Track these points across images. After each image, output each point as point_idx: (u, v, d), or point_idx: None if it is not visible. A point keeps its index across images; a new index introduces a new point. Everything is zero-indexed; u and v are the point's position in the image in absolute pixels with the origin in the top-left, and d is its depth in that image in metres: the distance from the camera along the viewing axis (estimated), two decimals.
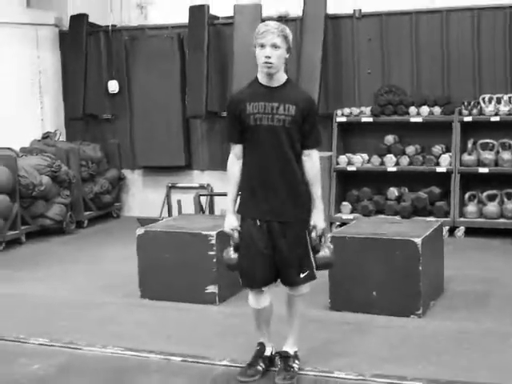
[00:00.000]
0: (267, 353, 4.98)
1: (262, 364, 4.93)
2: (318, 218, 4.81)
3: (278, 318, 5.07)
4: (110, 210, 11.36)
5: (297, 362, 4.93)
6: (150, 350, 5.42)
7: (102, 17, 11.42)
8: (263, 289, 4.83)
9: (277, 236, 4.74)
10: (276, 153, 4.72)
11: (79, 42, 11.16)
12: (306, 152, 4.79)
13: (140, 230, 6.82)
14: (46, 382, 4.94)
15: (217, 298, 6.57)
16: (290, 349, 4.96)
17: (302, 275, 4.78)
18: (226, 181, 4.96)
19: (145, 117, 11.04)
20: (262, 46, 4.65)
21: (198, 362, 5.15)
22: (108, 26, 11.38)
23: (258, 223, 4.76)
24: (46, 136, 10.99)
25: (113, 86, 11.32)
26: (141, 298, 6.80)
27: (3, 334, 5.88)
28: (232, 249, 4.88)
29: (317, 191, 4.83)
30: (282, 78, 4.76)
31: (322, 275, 5.96)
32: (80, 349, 5.53)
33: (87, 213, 10.79)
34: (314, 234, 4.80)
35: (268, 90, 4.73)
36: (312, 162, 4.79)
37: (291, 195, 4.78)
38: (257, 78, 4.80)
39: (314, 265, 4.82)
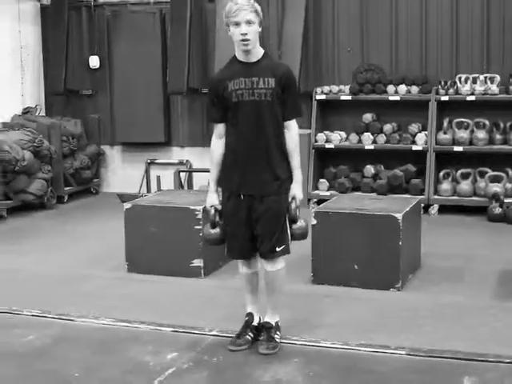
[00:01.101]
0: (255, 323, 5.17)
1: (250, 334, 5.12)
2: (297, 189, 4.98)
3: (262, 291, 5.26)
4: (89, 186, 11.46)
5: (278, 332, 5.11)
6: (140, 321, 5.59)
7: None
8: (246, 260, 5.06)
9: (257, 209, 4.92)
10: (258, 127, 4.88)
11: (61, 16, 11.21)
12: (285, 124, 4.94)
13: (127, 205, 6.96)
14: (44, 351, 5.09)
15: (202, 272, 6.74)
16: (271, 319, 5.13)
17: (278, 249, 4.94)
18: (209, 159, 5.14)
19: (125, 93, 11.12)
20: (237, 23, 4.78)
21: (188, 333, 5.32)
22: (90, 1, 11.41)
23: (241, 197, 4.94)
24: (26, 111, 11.06)
25: (94, 62, 11.38)
26: (128, 272, 6.95)
27: None
28: (209, 225, 5.09)
29: (295, 162, 4.98)
30: (259, 52, 4.92)
31: (304, 249, 6.17)
32: (73, 320, 5.69)
33: (67, 188, 10.90)
34: (293, 205, 4.95)
35: (247, 66, 4.88)
36: (290, 133, 4.94)
37: (272, 170, 4.92)
38: (235, 56, 4.95)
39: (289, 239, 4.99)
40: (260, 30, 4.88)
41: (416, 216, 6.95)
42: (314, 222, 6.44)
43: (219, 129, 5.03)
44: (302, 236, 5.07)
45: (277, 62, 5.11)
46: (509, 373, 4.59)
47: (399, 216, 6.24)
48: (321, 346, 5.08)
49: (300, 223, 5.01)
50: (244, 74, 4.87)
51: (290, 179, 4.98)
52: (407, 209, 6.51)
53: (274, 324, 5.12)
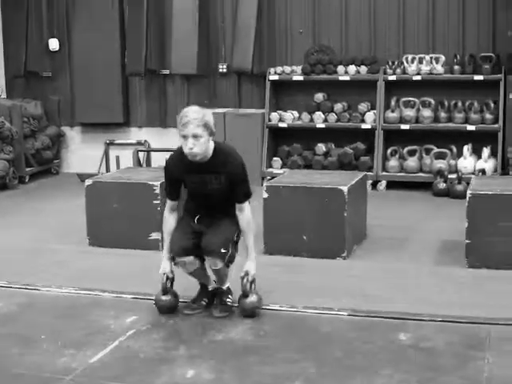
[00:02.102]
0: (210, 288, 5.55)
1: (205, 299, 5.51)
2: (249, 266, 5.30)
3: None
4: (49, 167, 11.74)
5: (230, 296, 5.49)
6: (102, 289, 5.95)
7: None
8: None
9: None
10: (212, 205, 5.29)
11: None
12: (237, 206, 5.26)
13: (88, 181, 7.28)
14: (11, 317, 5.42)
15: (160, 244, 7.00)
16: (222, 285, 5.50)
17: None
18: (163, 230, 5.50)
19: (84, 74, 11.40)
20: (184, 137, 4.99)
21: (147, 299, 5.68)
22: None
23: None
24: None
25: (53, 44, 11.65)
26: (90, 246, 7.28)
27: None
28: (161, 291, 5.40)
29: (249, 241, 5.27)
30: (209, 153, 5.13)
31: (256, 221, 6.53)
32: (38, 289, 6.02)
33: (28, 168, 11.17)
34: (245, 280, 5.26)
35: (199, 165, 5.15)
36: (243, 214, 5.26)
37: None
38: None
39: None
40: (211, 138, 5.08)
41: (362, 189, 7.39)
42: (266, 195, 6.84)
43: (173, 205, 5.38)
44: (252, 312, 5.29)
45: (227, 156, 5.21)
46: (440, 330, 5.03)
47: (345, 189, 6.65)
48: (270, 308, 5.47)
49: (252, 299, 5.29)
50: (198, 170, 5.17)
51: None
52: (352, 182, 6.93)
53: (225, 289, 5.50)
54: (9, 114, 10.68)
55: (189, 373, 4.43)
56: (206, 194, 5.24)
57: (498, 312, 5.29)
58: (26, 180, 11.04)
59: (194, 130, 4.96)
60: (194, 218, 5.33)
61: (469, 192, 6.42)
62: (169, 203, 5.39)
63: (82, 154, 11.91)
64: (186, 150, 5.04)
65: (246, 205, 5.28)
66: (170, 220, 5.39)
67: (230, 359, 4.63)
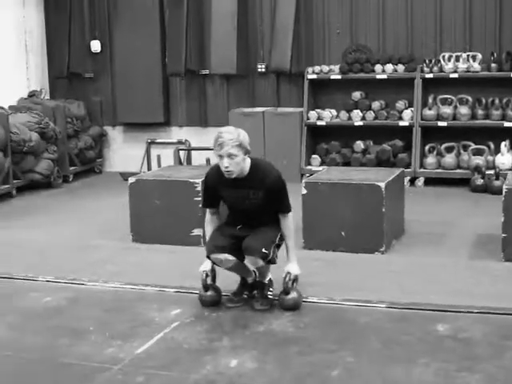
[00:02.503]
0: (249, 281, 5.70)
1: (246, 292, 5.68)
2: (291, 267, 5.48)
3: None
4: (92, 166, 12.01)
5: (271, 289, 5.65)
6: (146, 284, 6.14)
7: None
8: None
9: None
10: (251, 218, 5.46)
11: (63, 2, 11.73)
12: (280, 215, 5.45)
13: (132, 179, 7.48)
14: (60, 310, 5.63)
15: (201, 240, 7.17)
16: (263, 279, 5.66)
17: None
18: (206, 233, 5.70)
19: (126, 75, 11.63)
20: (220, 156, 5.21)
21: (189, 293, 5.85)
22: None
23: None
24: (32, 94, 11.55)
25: (95, 46, 11.90)
26: (133, 242, 7.48)
27: (12, 273, 6.54)
28: (202, 288, 5.60)
29: (290, 243, 5.48)
30: (245, 169, 5.31)
31: (296, 217, 6.66)
32: (84, 284, 6.22)
33: (72, 168, 11.44)
34: (287, 278, 5.44)
35: (236, 180, 5.33)
36: (286, 223, 5.43)
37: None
38: None
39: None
40: (246, 156, 5.25)
41: (399, 185, 7.49)
42: (305, 191, 6.98)
43: (212, 211, 5.61)
44: (293, 307, 5.46)
45: (265, 172, 5.37)
46: (477, 321, 5.14)
47: (382, 184, 6.77)
48: (310, 301, 5.61)
49: (292, 295, 5.47)
50: (235, 186, 5.36)
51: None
52: (390, 178, 7.04)
53: (266, 282, 5.66)
54: (53, 115, 10.93)
55: (232, 362, 4.58)
56: (244, 208, 5.42)
57: None
58: (70, 179, 11.31)
59: (230, 150, 5.16)
60: (235, 226, 5.51)
61: (505, 187, 6.50)
62: (208, 211, 5.64)
63: (124, 153, 12.15)
64: (222, 169, 5.27)
65: (290, 215, 5.46)
66: (211, 221, 5.62)
67: (272, 349, 4.78)
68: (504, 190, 6.48)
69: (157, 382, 4.38)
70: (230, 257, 5.40)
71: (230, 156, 5.18)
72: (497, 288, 5.84)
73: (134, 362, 4.64)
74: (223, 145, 5.17)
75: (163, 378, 4.42)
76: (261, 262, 5.37)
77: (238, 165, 5.23)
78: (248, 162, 5.34)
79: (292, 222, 5.48)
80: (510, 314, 5.22)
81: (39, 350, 4.90)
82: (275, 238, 5.44)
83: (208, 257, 5.50)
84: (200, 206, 6.96)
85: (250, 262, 5.41)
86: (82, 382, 4.43)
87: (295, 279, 5.49)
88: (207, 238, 5.63)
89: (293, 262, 5.51)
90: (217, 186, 5.45)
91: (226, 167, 5.21)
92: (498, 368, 4.38)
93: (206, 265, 5.60)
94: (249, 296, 5.67)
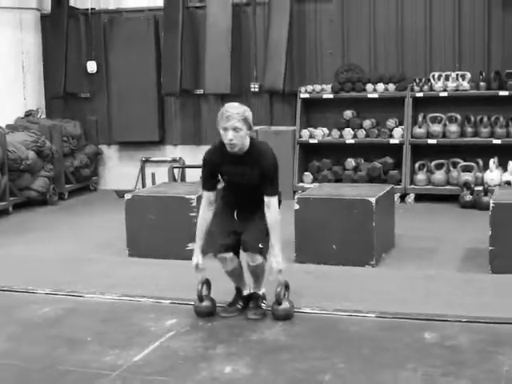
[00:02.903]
0: (245, 293, 5.86)
1: (240, 303, 5.83)
2: (274, 261, 5.55)
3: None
4: (88, 183, 12.18)
5: (264, 301, 5.81)
6: (142, 295, 6.29)
7: (82, 0, 12.15)
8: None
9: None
10: (246, 195, 5.65)
11: (60, 24, 11.90)
12: (265, 201, 5.55)
13: (128, 196, 7.65)
14: (59, 320, 5.77)
15: None
16: (257, 290, 5.83)
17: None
18: (198, 223, 5.77)
19: (121, 95, 11.84)
20: (225, 129, 5.39)
21: (185, 304, 6.00)
22: (87, 9, 12.12)
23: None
24: (28, 114, 11.71)
25: (91, 67, 12.10)
26: (129, 257, 7.64)
27: (12, 286, 6.68)
28: (198, 299, 5.73)
29: (274, 238, 5.52)
30: (245, 146, 5.51)
31: (288, 231, 6.82)
32: (82, 296, 6.37)
33: (68, 185, 11.61)
34: (278, 289, 5.55)
35: (236, 157, 5.54)
36: (270, 211, 5.53)
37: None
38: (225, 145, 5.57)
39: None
40: (248, 132, 5.47)
41: (389, 201, 7.68)
42: (297, 207, 7.15)
43: (211, 196, 5.71)
44: (285, 317, 5.59)
45: (261, 152, 5.58)
46: (464, 329, 5.29)
47: (373, 200, 6.94)
48: (302, 311, 5.76)
49: (284, 305, 5.62)
50: (235, 162, 5.55)
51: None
52: (380, 194, 7.22)
53: (260, 294, 5.82)
54: (49, 134, 11.10)
55: (226, 369, 4.73)
56: (241, 183, 5.60)
57: None
58: (66, 196, 11.47)
59: (236, 124, 5.36)
60: (232, 212, 5.69)
61: (492, 201, 6.68)
62: (206, 195, 5.72)
63: (119, 171, 12.33)
64: (225, 141, 5.43)
65: (273, 201, 5.55)
66: (206, 216, 5.69)
67: (265, 357, 4.93)
68: (491, 205, 6.66)
69: None
70: (234, 257, 5.63)
71: (235, 129, 5.36)
72: (484, 299, 6.01)
73: (131, 368, 4.78)
74: (230, 118, 5.36)
75: (160, 383, 4.57)
76: (259, 258, 5.55)
77: (241, 138, 5.41)
78: (248, 140, 5.54)
79: (276, 211, 5.54)
80: (496, 323, 5.38)
81: (39, 358, 5.03)
82: (266, 229, 5.57)
83: (214, 255, 5.67)
84: (194, 221, 7.12)
85: (249, 259, 5.59)
86: None
87: (287, 288, 5.64)
88: (198, 226, 5.69)
89: (275, 255, 5.52)
90: (217, 161, 5.59)
91: (231, 140, 5.38)
92: (484, 373, 4.52)
93: (198, 257, 5.68)
94: (243, 307, 5.81)
